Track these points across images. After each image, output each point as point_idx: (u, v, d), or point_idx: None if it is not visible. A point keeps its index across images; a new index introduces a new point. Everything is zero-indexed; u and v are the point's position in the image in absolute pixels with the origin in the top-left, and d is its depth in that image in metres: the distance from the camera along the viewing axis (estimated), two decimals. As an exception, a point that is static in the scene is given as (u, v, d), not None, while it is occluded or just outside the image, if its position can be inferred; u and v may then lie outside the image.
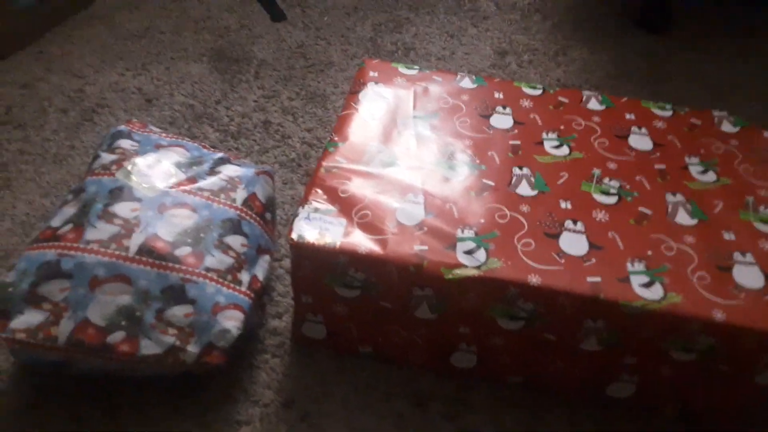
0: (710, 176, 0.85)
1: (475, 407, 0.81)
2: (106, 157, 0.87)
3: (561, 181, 0.83)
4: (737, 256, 0.74)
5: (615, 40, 1.50)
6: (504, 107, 0.95)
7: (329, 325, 0.83)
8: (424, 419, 0.80)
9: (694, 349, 0.71)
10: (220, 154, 0.92)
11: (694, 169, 0.86)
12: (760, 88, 1.37)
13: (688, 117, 0.95)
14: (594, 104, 0.96)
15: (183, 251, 0.78)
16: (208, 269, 0.78)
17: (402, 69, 1.01)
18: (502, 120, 0.93)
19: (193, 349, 0.74)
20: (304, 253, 0.76)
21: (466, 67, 1.39)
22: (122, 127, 0.93)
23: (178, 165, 0.88)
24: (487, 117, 0.93)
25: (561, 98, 0.97)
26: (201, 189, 0.85)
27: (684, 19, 1.55)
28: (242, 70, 1.34)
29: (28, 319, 0.72)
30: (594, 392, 0.80)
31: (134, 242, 0.77)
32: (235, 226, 0.84)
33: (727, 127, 0.93)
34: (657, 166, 0.86)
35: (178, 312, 0.75)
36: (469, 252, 0.74)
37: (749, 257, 0.74)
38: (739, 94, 1.35)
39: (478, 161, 0.86)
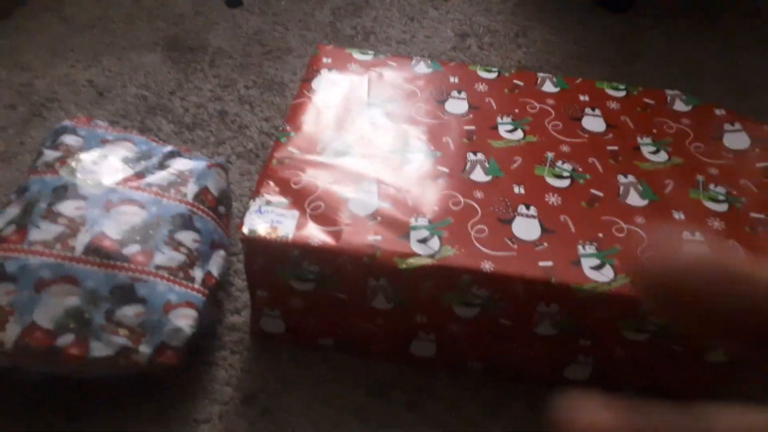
0: (662, 156, 0.85)
1: (437, 395, 0.81)
2: (50, 155, 0.84)
3: (515, 165, 0.83)
4: (687, 235, 0.75)
5: (577, 20, 1.49)
6: (459, 92, 0.94)
7: (287, 319, 0.82)
8: (385, 409, 0.80)
9: (646, 329, 0.72)
10: (169, 148, 0.90)
11: (646, 150, 0.86)
12: (722, 67, 1.38)
13: (641, 97, 0.95)
14: (549, 86, 0.96)
15: (131, 249, 0.76)
16: (158, 267, 0.77)
17: (356, 55, 1.00)
18: (457, 105, 0.92)
19: (145, 349, 0.73)
20: (256, 247, 0.75)
21: (426, 50, 1.38)
22: (66, 123, 0.90)
23: (125, 160, 0.85)
24: (443, 102, 0.92)
25: (516, 81, 0.96)
26: (149, 184, 0.83)
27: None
28: (197, 58, 1.31)
29: (-29, 325, 0.70)
30: (553, 375, 0.81)
31: (80, 242, 0.75)
32: (186, 222, 0.82)
33: (679, 106, 0.94)
34: (609, 148, 0.86)
35: (129, 312, 0.73)
36: (422, 240, 0.74)
37: (698, 236, 0.75)
38: (702, 74, 1.36)
39: (432, 148, 0.85)
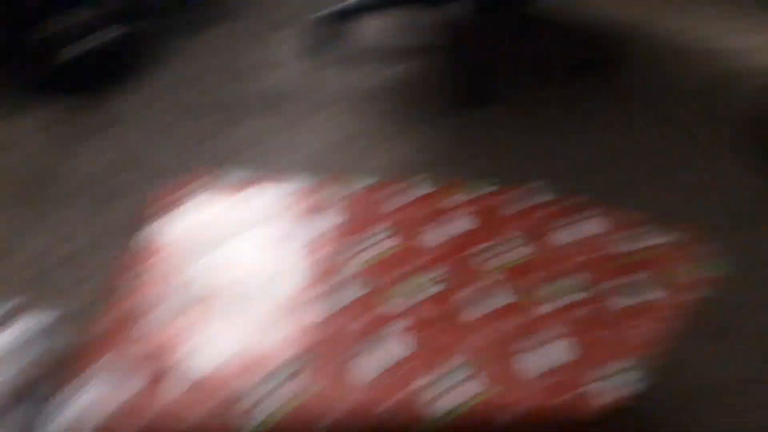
0: (526, 251, 0.84)
1: None
2: None
3: (385, 279, 0.79)
4: (539, 337, 0.73)
5: (443, 121, 1.49)
6: (332, 206, 0.89)
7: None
8: None
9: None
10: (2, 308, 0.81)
11: (513, 246, 0.85)
12: (581, 155, 1.44)
13: (507, 192, 0.93)
14: (419, 190, 0.92)
15: None
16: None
17: (223, 177, 0.95)
18: (330, 221, 0.88)
19: None
20: None
21: (300, 163, 1.36)
22: None
23: None
24: (313, 219, 0.88)
25: (388, 189, 0.93)
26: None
27: (506, 93, 1.60)
28: (49, 196, 1.23)
29: None
30: None
31: None
32: (9, 405, 0.72)
33: (543, 197, 0.93)
34: (479, 248, 0.84)
35: None
36: (276, 388, 0.67)
37: (563, 329, 0.73)
38: (544, 163, 1.39)
39: (300, 273, 0.80)
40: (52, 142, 1.37)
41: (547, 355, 0.72)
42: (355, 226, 0.88)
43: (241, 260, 0.83)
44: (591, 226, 0.91)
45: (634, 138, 1.44)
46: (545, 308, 0.77)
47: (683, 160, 1.37)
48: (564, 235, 0.89)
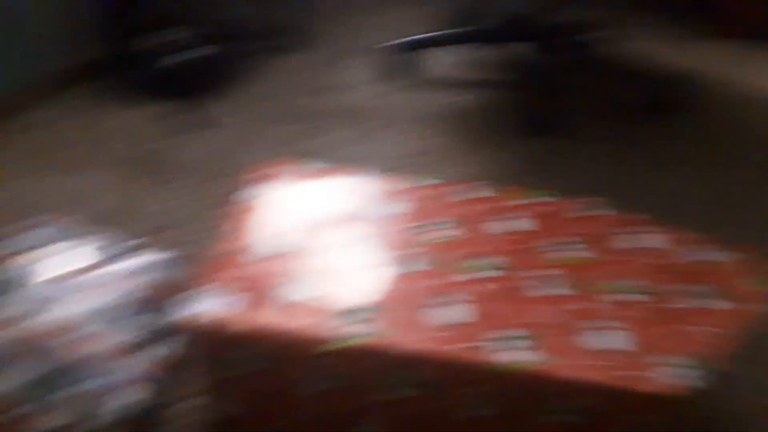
0: (584, 253, 0.91)
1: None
2: (19, 243, 0.91)
3: (448, 259, 0.88)
4: (605, 323, 0.79)
5: (504, 145, 1.60)
6: (401, 196, 1.01)
7: (236, 403, 0.83)
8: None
9: (571, 412, 0.74)
10: (129, 243, 0.97)
11: (570, 247, 0.92)
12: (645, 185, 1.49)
13: (568, 202, 1.02)
14: (485, 192, 1.03)
15: (87, 330, 0.80)
16: (110, 349, 0.80)
17: (307, 165, 1.06)
18: (399, 207, 0.99)
19: (92, 428, 0.74)
20: (200, 333, 0.79)
21: (377, 169, 1.46)
22: (36, 219, 0.98)
23: (88, 252, 0.92)
24: (384, 205, 0.98)
25: (455, 188, 1.04)
26: (106, 274, 0.89)
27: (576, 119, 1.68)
28: (165, 172, 1.39)
29: None
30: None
31: (37, 322, 0.79)
32: (139, 309, 0.86)
33: (601, 210, 1.00)
34: (538, 244, 0.92)
35: (78, 391, 0.75)
36: (355, 324, 0.77)
37: (616, 323, 0.78)
38: (625, 192, 1.45)
39: (370, 244, 0.90)
40: (157, 132, 1.54)
41: (606, 339, 0.77)
42: (423, 214, 0.97)
43: (324, 226, 0.94)
44: (652, 239, 0.96)
45: (697, 171, 1.48)
46: (605, 300, 0.83)
47: (744, 192, 1.41)
48: (624, 243, 0.94)
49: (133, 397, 0.77)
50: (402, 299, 0.81)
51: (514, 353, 0.74)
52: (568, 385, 0.72)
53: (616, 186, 1.46)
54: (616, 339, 0.77)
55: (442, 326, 0.77)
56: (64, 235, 0.95)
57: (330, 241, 0.91)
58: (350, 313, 0.78)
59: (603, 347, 0.76)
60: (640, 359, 0.74)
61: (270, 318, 0.77)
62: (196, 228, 1.25)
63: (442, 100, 1.76)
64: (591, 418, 0.74)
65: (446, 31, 1.86)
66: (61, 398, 0.75)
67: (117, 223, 1.24)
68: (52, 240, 0.93)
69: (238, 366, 0.79)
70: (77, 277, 0.87)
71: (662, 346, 0.76)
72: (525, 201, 1.02)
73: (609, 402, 0.72)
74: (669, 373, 0.73)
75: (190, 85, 1.68)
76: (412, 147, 1.57)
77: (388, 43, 1.82)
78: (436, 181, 1.06)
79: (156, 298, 0.90)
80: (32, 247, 0.90)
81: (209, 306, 0.79)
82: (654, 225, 0.98)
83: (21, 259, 0.88)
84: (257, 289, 0.81)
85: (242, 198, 1.31)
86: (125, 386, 0.78)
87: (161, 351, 0.86)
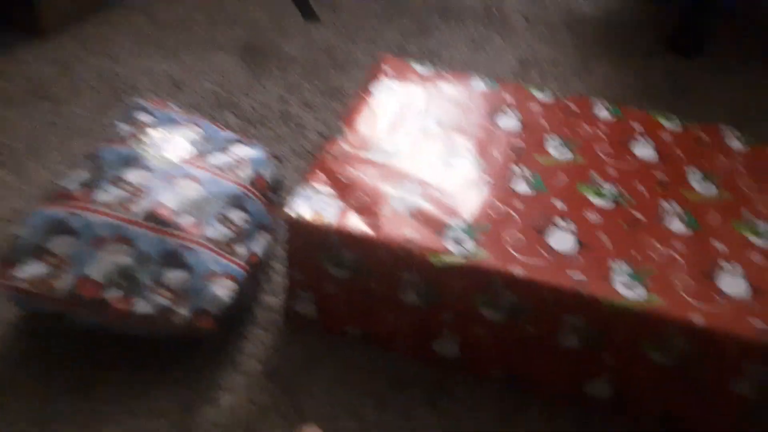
0: (710, 189, 0.85)
1: (456, 396, 0.82)
2: (124, 128, 0.91)
3: (559, 182, 0.84)
4: (724, 264, 0.74)
5: (641, 59, 1.50)
6: (512, 109, 0.96)
7: (320, 304, 0.85)
8: (404, 403, 0.81)
9: (672, 352, 0.71)
10: (232, 135, 0.96)
11: (695, 181, 0.86)
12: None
13: (696, 130, 0.95)
14: (603, 113, 0.97)
15: (185, 220, 0.81)
16: (207, 239, 0.81)
17: (416, 67, 1.04)
18: (509, 121, 0.94)
19: (184, 312, 0.77)
20: (299, 230, 0.79)
21: (487, 74, 1.41)
22: (142, 102, 0.97)
23: (191, 141, 0.91)
24: (495, 117, 0.95)
25: (570, 105, 0.98)
26: (210, 164, 0.89)
27: (716, 43, 1.54)
28: (269, 63, 1.39)
29: (32, 269, 0.77)
30: (573, 390, 0.80)
31: (140, 207, 0.81)
32: (238, 202, 0.87)
33: (734, 143, 0.93)
34: (658, 175, 0.86)
35: (174, 276, 0.78)
36: (458, 241, 0.76)
37: (737, 267, 0.74)
38: (762, 121, 1.34)
39: (479, 157, 0.87)
40: (272, 22, 1.52)
41: (720, 282, 0.73)
42: (536, 130, 0.92)
43: (432, 135, 0.91)
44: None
45: None
46: (725, 240, 0.77)
47: None
48: (754, 183, 0.87)
49: (224, 288, 0.79)
50: (507, 221, 0.78)
51: (618, 288, 0.71)
52: (669, 326, 0.69)
53: (757, 121, 1.33)
54: (731, 283, 0.72)
55: (547, 253, 0.74)
56: (165, 121, 0.94)
57: (437, 151, 0.88)
58: (452, 230, 0.77)
59: (714, 289, 0.72)
60: (750, 306, 0.70)
61: (368, 226, 0.76)
62: (299, 123, 1.23)
63: (569, 4, 1.64)
64: (692, 361, 0.71)
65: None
66: (154, 285, 0.77)
67: (219, 110, 1.24)
68: (154, 125, 0.92)
69: (331, 269, 0.79)
70: (178, 166, 0.87)
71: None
72: (647, 126, 0.95)
73: (712, 346, 0.69)
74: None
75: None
76: (537, 54, 1.49)
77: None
78: (551, 96, 1.00)
79: (255, 193, 0.90)
80: (133, 134, 0.90)
81: (309, 206, 0.78)
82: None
83: (121, 144, 0.88)
84: (359, 195, 0.80)
85: (350, 97, 1.31)
86: (218, 277, 0.79)
87: (256, 246, 0.87)
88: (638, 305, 0.70)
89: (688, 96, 1.39)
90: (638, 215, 0.80)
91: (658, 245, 0.76)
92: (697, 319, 0.68)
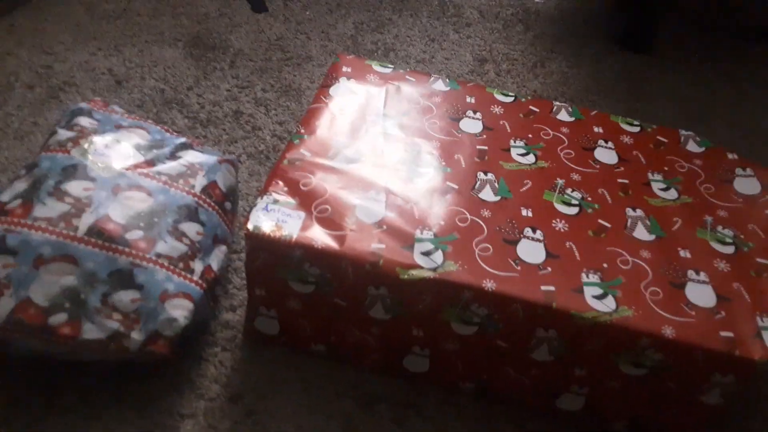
0: (671, 194, 0.85)
1: (425, 414, 0.80)
2: (63, 134, 0.84)
3: (524, 188, 0.83)
4: (691, 274, 0.74)
5: (595, 56, 1.50)
6: (474, 112, 0.94)
7: (282, 321, 0.81)
8: (372, 421, 0.78)
9: (644, 364, 0.71)
10: (182, 139, 0.90)
11: (656, 186, 0.86)
12: (736, 114, 1.39)
13: (655, 134, 0.95)
14: (564, 115, 0.96)
15: (134, 235, 0.76)
16: (159, 255, 0.76)
17: (376, 66, 1.00)
18: (472, 124, 0.92)
19: (137, 336, 0.72)
20: (259, 244, 0.74)
21: (444, 71, 1.39)
22: (83, 105, 0.90)
23: (138, 147, 0.85)
24: (457, 120, 0.92)
25: (532, 107, 0.97)
26: (159, 173, 0.83)
27: (667, 43, 1.56)
28: (217, 58, 1.32)
29: (-35, 294, 0.70)
30: (544, 403, 0.80)
31: (84, 222, 0.75)
32: (191, 213, 0.82)
33: (692, 146, 0.94)
34: (620, 180, 0.86)
35: (125, 297, 0.73)
36: (426, 253, 0.73)
37: (703, 276, 0.74)
38: (713, 119, 1.37)
39: (443, 163, 0.85)
40: (220, 14, 1.45)
41: (688, 292, 0.73)
42: (497, 135, 0.91)
43: (393, 138, 0.88)
44: (744, 184, 0.89)
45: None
46: (691, 248, 0.78)
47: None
48: (713, 187, 0.88)
49: (179, 309, 0.75)
50: (475, 231, 0.76)
51: (589, 301, 0.70)
52: (640, 338, 0.69)
53: (709, 118, 1.36)
54: (698, 293, 0.73)
55: (517, 265, 0.73)
56: (109, 125, 0.88)
57: (400, 157, 0.85)
58: (419, 241, 0.74)
59: (683, 300, 0.72)
60: (718, 316, 0.71)
61: (332, 238, 0.73)
62: (252, 123, 1.18)
63: (524, 1, 1.64)
64: (662, 372, 0.71)
65: None
66: (103, 307, 0.72)
67: (165, 109, 1.18)
68: (96, 130, 0.86)
69: (294, 284, 0.75)
70: (125, 175, 0.81)
71: (745, 303, 0.72)
72: (607, 129, 0.94)
73: (682, 357, 0.69)
74: (748, 334, 0.69)
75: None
76: (493, 51, 1.47)
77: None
78: (510, 96, 0.98)
79: (209, 202, 0.85)
80: (73, 140, 0.83)
81: (269, 218, 0.74)
82: (747, 165, 0.91)
83: (60, 151, 0.82)
84: (321, 205, 0.76)
85: (305, 94, 1.26)
86: (172, 297, 0.75)
87: (212, 260, 0.82)
88: (608, 317, 0.69)
89: (640, 93, 1.41)
90: (604, 223, 0.80)
91: (626, 254, 0.76)
92: (668, 331, 0.68)
